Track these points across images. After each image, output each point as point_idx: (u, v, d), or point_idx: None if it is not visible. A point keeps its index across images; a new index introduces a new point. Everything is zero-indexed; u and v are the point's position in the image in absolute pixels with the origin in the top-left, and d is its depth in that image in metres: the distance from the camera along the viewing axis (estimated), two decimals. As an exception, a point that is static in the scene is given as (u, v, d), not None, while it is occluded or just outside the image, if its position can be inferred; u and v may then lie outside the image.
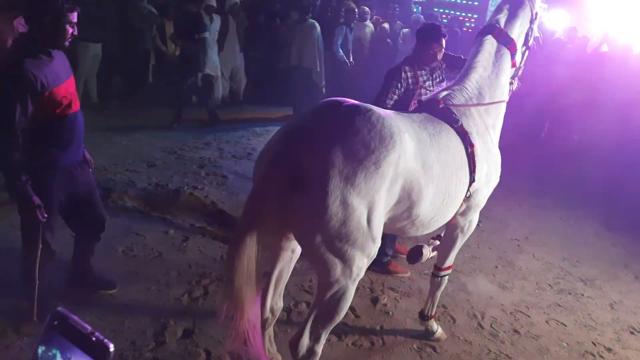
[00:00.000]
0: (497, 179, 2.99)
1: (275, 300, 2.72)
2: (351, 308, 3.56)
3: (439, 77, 3.93)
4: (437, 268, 3.25)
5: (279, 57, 9.28)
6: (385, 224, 2.36)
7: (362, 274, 2.34)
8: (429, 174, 2.42)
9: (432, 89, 3.70)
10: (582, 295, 4.22)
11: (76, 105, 2.92)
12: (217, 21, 8.60)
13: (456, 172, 2.62)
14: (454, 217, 2.87)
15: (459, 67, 3.26)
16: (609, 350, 3.52)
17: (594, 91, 7.88)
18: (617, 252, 5.17)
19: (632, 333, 3.77)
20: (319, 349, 2.40)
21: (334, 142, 2.15)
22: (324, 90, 9.13)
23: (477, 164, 2.73)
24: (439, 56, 3.86)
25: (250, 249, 2.18)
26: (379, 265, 3.85)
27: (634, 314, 4.04)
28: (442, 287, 3.28)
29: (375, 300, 3.73)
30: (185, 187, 5.20)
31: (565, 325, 3.74)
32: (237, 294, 2.21)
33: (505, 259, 4.63)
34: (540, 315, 3.83)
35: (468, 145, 2.70)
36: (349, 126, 2.22)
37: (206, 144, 6.81)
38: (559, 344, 3.52)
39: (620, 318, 3.95)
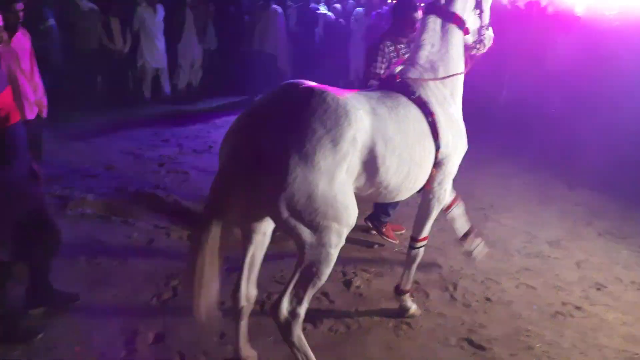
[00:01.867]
0: (465, 146, 3.11)
1: (250, 288, 2.75)
2: (324, 293, 3.56)
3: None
4: (413, 239, 3.29)
5: (241, 43, 9.25)
6: (355, 193, 2.52)
7: (342, 241, 2.45)
8: (389, 146, 2.55)
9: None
10: (549, 257, 4.31)
11: (15, 117, 2.76)
12: (160, 12, 8.43)
13: (419, 140, 2.76)
14: (430, 185, 3.01)
15: None
16: (578, 308, 3.60)
17: (540, 55, 8.02)
18: (580, 211, 5.30)
19: (598, 289, 3.87)
20: (302, 311, 2.47)
21: (292, 123, 2.29)
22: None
23: (440, 131, 2.84)
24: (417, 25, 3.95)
25: (216, 229, 2.28)
26: (376, 221, 4.26)
27: (600, 271, 4.15)
28: (418, 259, 3.31)
29: (348, 283, 3.72)
30: (146, 188, 5.06)
31: (534, 289, 3.81)
32: (198, 273, 2.29)
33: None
34: (510, 280, 3.89)
35: (428, 114, 2.83)
36: (305, 107, 2.34)
37: (165, 141, 6.66)
38: (530, 307, 3.58)
39: (587, 276, 4.05)
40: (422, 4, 3.92)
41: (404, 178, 2.71)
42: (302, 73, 10.79)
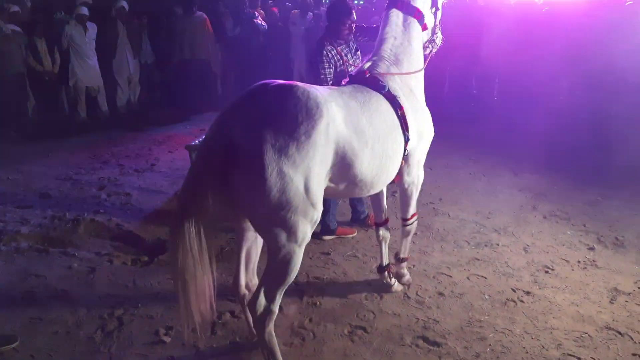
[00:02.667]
0: (431, 134, 3.31)
1: (250, 277, 2.88)
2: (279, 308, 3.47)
3: (354, 46, 4.18)
4: (404, 219, 3.55)
5: (171, 53, 9.08)
6: (329, 188, 2.64)
7: (307, 239, 2.52)
8: (361, 138, 2.64)
9: (352, 61, 4.07)
10: (498, 245, 4.37)
11: None
12: (91, 29, 8.15)
13: (390, 133, 2.87)
14: (401, 176, 3.21)
15: (375, 36, 3.50)
16: (528, 293, 3.66)
17: (477, 46, 8.21)
18: (525, 197, 5.42)
19: (546, 272, 3.95)
20: (275, 307, 2.58)
21: (265, 119, 2.35)
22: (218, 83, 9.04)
23: (408, 124, 2.99)
24: (353, 28, 4.06)
25: (190, 228, 2.30)
26: (328, 232, 4.40)
27: (546, 253, 4.24)
28: (413, 232, 3.63)
29: (301, 294, 3.65)
30: (86, 214, 4.83)
31: (485, 278, 3.85)
32: (181, 273, 2.33)
33: (423, 224, 4.69)
34: (461, 273, 3.92)
35: (397, 107, 2.95)
36: (277, 103, 2.43)
37: (104, 163, 6.40)
38: (481, 297, 3.62)
39: (535, 260, 4.13)
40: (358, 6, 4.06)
41: (377, 170, 2.79)
42: (243, 78, 10.73)
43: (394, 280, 3.66)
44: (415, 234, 3.85)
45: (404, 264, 3.71)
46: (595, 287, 3.75)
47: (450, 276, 3.87)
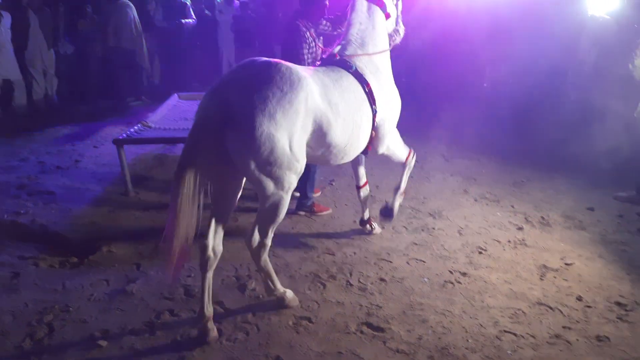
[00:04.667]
0: (398, 108, 3.80)
1: (217, 242, 3.05)
2: (219, 302, 3.40)
3: (326, 27, 4.41)
4: (403, 163, 4.11)
5: (95, 42, 8.63)
6: (309, 153, 3.05)
7: (293, 186, 2.97)
8: (335, 110, 3.08)
9: (320, 45, 4.38)
10: (434, 229, 4.50)
11: None
12: (7, 19, 7.56)
13: (359, 107, 3.32)
14: (374, 147, 3.72)
15: (341, 23, 4.08)
16: (464, 274, 3.79)
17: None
18: (456, 181, 5.61)
19: (480, 253, 4.10)
20: (268, 241, 3.10)
21: (256, 88, 2.75)
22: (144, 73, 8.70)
23: (375, 98, 3.44)
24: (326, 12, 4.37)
25: (190, 178, 2.64)
26: (305, 208, 4.69)
27: (479, 235, 4.41)
28: (412, 166, 4.15)
29: (242, 288, 3.58)
30: (6, 216, 4.50)
31: (424, 262, 3.95)
32: (176, 213, 2.63)
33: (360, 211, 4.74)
34: (400, 258, 3.99)
35: (364, 84, 3.39)
36: (265, 75, 2.82)
37: (23, 160, 5.98)
38: (421, 280, 3.70)
39: (469, 241, 4.28)
40: None
41: (348, 139, 3.24)
42: (172, 68, 10.41)
43: (375, 225, 4.35)
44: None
45: (401, 196, 4.20)
46: (526, 265, 3.94)
47: (391, 262, 3.94)
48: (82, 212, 4.70)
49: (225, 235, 4.13)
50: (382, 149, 3.82)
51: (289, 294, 3.38)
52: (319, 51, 4.36)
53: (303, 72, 2.98)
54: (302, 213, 4.73)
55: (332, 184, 5.34)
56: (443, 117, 7.65)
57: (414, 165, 4.38)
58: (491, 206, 5.01)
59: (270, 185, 2.85)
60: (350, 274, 3.77)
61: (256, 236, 3.10)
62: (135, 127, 5.58)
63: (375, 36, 3.69)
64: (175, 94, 7.17)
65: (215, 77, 10.17)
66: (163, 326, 3.16)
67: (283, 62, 2.95)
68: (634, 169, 5.27)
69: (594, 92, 6.57)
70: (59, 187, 5.20)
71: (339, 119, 3.09)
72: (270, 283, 3.28)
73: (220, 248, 3.06)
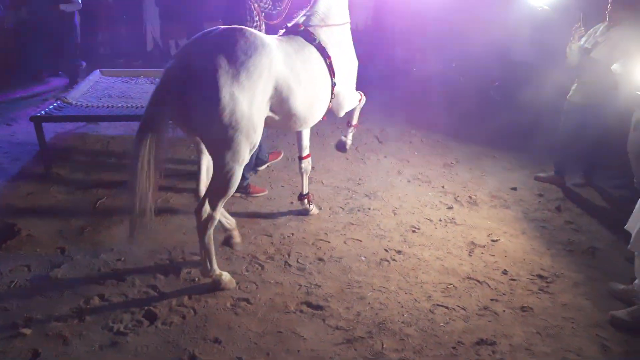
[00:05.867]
0: (354, 79, 3.94)
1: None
2: (152, 286, 3.28)
3: (267, 4, 4.33)
4: (350, 124, 4.30)
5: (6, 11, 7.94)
6: (269, 117, 3.16)
7: (247, 160, 3.03)
8: (296, 78, 3.17)
9: (264, 19, 4.36)
10: (369, 209, 4.56)
11: None
12: None
13: (320, 78, 3.44)
14: (335, 112, 3.91)
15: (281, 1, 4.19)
16: (399, 252, 3.88)
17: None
18: (390, 163, 5.71)
19: (414, 232, 4.22)
20: (217, 215, 3.14)
21: (220, 51, 2.80)
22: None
23: (335, 71, 3.55)
24: None
25: (150, 139, 2.69)
26: (240, 189, 4.48)
27: (413, 214, 4.53)
28: (362, 105, 4.21)
29: (177, 271, 3.47)
30: None
31: (360, 241, 4.00)
32: (134, 174, 2.69)
33: (297, 192, 4.72)
34: (338, 238, 4.02)
35: (326, 57, 3.50)
36: (230, 40, 2.88)
37: None
38: (358, 259, 3.76)
39: (403, 221, 4.39)
40: None
41: (308, 107, 3.35)
42: (89, 42, 9.85)
43: (312, 206, 4.36)
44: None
45: (353, 130, 4.38)
46: (456, 243, 4.10)
47: (329, 242, 3.95)
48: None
49: (157, 217, 3.99)
50: (341, 114, 4.01)
51: (225, 276, 3.31)
52: (263, 26, 4.34)
53: (267, 39, 3.06)
54: (237, 194, 4.63)
55: (268, 166, 5.27)
56: (377, 101, 7.76)
57: (350, 147, 4.44)
58: (423, 187, 5.15)
59: (227, 154, 2.89)
60: (289, 255, 3.75)
61: (206, 208, 3.11)
62: (55, 104, 5.21)
63: (338, 9, 3.76)
64: (98, 70, 6.76)
65: (139, 53, 9.83)
66: (93, 311, 3.02)
67: (248, 28, 3.02)
68: (553, 150, 5.61)
69: (527, 77, 6.94)
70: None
71: (300, 87, 3.19)
72: (207, 263, 3.24)
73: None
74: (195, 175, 3.30)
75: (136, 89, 6.22)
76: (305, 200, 4.34)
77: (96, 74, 6.65)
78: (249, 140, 2.94)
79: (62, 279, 3.32)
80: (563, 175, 5.40)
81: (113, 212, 4.18)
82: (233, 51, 2.82)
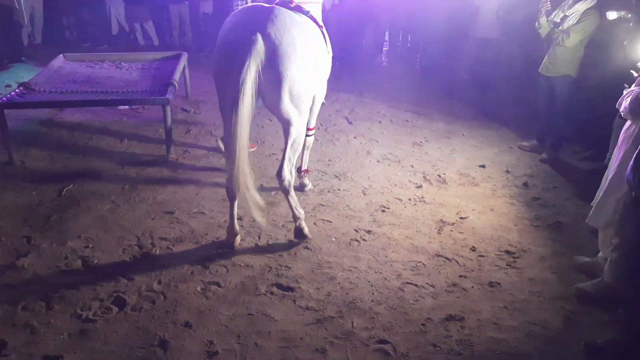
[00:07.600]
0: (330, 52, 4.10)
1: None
2: (121, 273, 3.26)
3: None
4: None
5: None
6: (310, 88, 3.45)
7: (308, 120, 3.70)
8: (315, 49, 3.43)
9: None
10: (339, 190, 4.58)
11: None
12: None
13: (321, 45, 3.65)
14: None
15: None
16: (369, 232, 3.92)
17: None
18: (359, 143, 5.73)
19: (383, 211, 4.26)
20: (294, 170, 3.57)
21: (298, 28, 3.24)
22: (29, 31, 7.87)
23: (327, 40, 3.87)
24: None
25: (249, 104, 2.98)
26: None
27: (382, 194, 4.56)
28: (310, 143, 4.44)
29: (146, 257, 3.44)
30: None
31: (330, 222, 4.03)
32: (240, 140, 3.02)
33: (267, 175, 4.72)
34: (308, 219, 4.03)
35: (319, 27, 3.74)
36: (296, 19, 3.31)
37: None
38: (329, 240, 3.79)
39: (373, 201, 4.42)
40: None
41: (326, 74, 3.91)
42: (55, 26, 9.56)
43: (307, 181, 4.53)
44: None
45: (305, 175, 4.55)
46: (425, 221, 4.16)
47: (298, 223, 3.97)
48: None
49: (125, 203, 3.95)
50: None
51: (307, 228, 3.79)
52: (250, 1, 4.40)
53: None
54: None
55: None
56: (346, 81, 7.77)
57: (320, 129, 4.45)
58: (393, 166, 5.19)
59: (298, 118, 3.31)
60: (259, 237, 3.76)
61: (286, 168, 3.44)
62: (17, 90, 5.07)
63: None
64: (61, 55, 6.57)
65: (105, 37, 9.59)
66: (61, 300, 2.99)
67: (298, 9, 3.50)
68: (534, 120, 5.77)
69: (502, 51, 7.03)
70: None
71: (325, 57, 3.64)
72: (295, 211, 3.68)
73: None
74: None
75: (101, 73, 6.09)
76: (303, 174, 4.47)
77: (59, 59, 6.46)
78: (310, 103, 3.50)
79: (28, 268, 3.27)
80: (544, 145, 5.64)
81: (80, 200, 4.11)
82: (304, 30, 3.28)
